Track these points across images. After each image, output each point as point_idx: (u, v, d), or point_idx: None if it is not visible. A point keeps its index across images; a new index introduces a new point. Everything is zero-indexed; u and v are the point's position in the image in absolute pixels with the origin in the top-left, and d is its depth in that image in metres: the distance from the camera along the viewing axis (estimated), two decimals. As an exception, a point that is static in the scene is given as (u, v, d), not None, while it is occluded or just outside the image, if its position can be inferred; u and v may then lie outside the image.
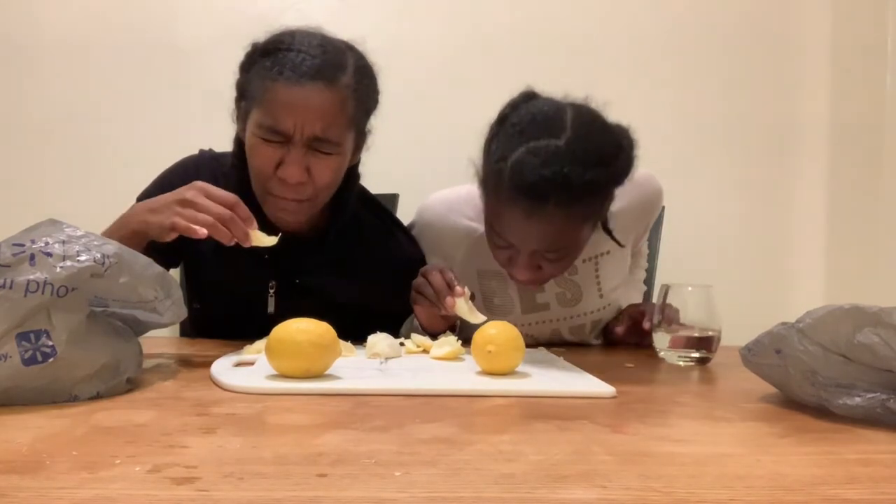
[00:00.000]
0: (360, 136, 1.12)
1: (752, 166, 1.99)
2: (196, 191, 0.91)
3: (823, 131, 1.98)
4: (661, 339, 1.03)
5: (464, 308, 0.99)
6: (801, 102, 1.99)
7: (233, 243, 0.91)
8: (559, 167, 0.92)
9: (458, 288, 0.99)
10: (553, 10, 1.95)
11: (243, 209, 0.92)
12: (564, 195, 0.94)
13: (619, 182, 1.01)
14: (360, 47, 1.09)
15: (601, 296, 1.23)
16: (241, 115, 1.09)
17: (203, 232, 0.88)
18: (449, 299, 0.97)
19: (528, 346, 0.84)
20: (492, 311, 1.16)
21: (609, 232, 1.14)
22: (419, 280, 1.06)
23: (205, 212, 0.90)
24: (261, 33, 1.08)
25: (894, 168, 1.94)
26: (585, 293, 1.22)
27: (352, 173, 1.15)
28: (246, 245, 0.92)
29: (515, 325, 0.83)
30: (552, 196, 0.94)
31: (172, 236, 0.91)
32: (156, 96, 1.87)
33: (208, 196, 0.91)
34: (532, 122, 0.98)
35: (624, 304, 1.27)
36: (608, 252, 1.20)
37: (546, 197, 0.94)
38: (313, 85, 0.99)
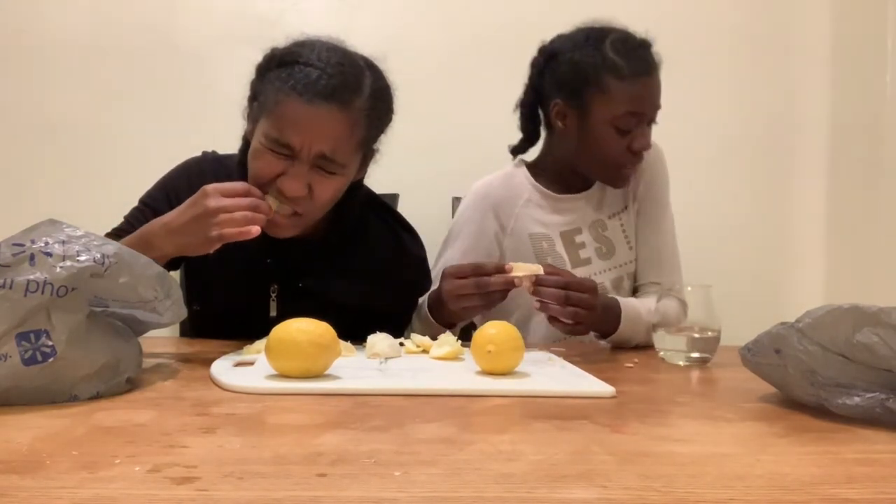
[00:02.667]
0: (368, 154, 1.12)
1: (751, 166, 1.99)
2: (213, 196, 0.92)
3: (823, 131, 1.98)
4: (660, 339, 1.03)
5: (522, 266, 1.06)
6: (801, 102, 1.99)
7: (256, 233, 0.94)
8: (637, 39, 1.27)
9: (507, 265, 1.07)
10: (553, 10, 1.95)
11: (257, 191, 0.96)
12: (654, 52, 1.28)
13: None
14: (380, 64, 1.08)
15: (630, 248, 1.38)
16: (252, 117, 1.08)
17: (256, 230, 0.91)
18: (508, 265, 1.06)
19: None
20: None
21: None
22: (459, 284, 1.07)
23: (237, 210, 0.92)
24: (282, 38, 1.06)
25: (894, 168, 1.94)
26: (617, 246, 1.37)
27: (357, 185, 1.15)
28: (271, 214, 0.97)
29: None
30: (652, 55, 1.27)
31: (216, 247, 0.93)
32: (156, 96, 1.87)
33: (225, 195, 0.93)
34: (584, 30, 1.30)
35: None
36: (626, 208, 1.39)
37: (651, 57, 1.26)
38: (326, 106, 0.98)
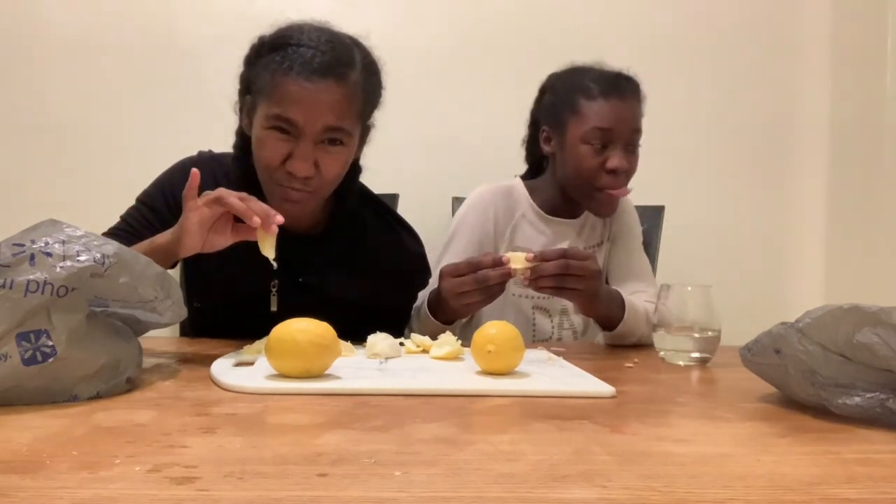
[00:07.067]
0: (365, 131, 1.14)
1: (752, 166, 1.99)
2: (214, 195, 0.92)
3: (823, 131, 1.98)
4: (660, 339, 1.03)
5: (519, 258, 1.07)
6: (800, 102, 1.99)
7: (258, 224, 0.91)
8: (616, 71, 1.35)
9: (503, 256, 1.09)
10: (554, 9, 1.96)
11: (257, 202, 0.93)
12: (635, 84, 1.35)
13: None
14: (365, 42, 1.10)
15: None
16: (246, 109, 1.09)
17: (257, 221, 0.89)
18: (504, 257, 1.08)
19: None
20: (527, 288, 1.23)
21: None
22: (457, 281, 1.08)
23: (229, 204, 0.91)
24: (266, 27, 1.08)
25: (894, 168, 1.94)
26: None
27: (354, 166, 1.16)
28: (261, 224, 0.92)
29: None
30: (632, 84, 1.35)
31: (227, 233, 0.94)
32: (156, 96, 1.87)
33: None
34: (573, 65, 1.40)
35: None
36: (601, 243, 1.47)
37: (628, 86, 1.34)
38: (324, 81, 1.01)
